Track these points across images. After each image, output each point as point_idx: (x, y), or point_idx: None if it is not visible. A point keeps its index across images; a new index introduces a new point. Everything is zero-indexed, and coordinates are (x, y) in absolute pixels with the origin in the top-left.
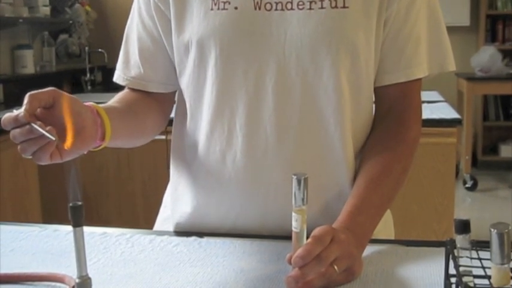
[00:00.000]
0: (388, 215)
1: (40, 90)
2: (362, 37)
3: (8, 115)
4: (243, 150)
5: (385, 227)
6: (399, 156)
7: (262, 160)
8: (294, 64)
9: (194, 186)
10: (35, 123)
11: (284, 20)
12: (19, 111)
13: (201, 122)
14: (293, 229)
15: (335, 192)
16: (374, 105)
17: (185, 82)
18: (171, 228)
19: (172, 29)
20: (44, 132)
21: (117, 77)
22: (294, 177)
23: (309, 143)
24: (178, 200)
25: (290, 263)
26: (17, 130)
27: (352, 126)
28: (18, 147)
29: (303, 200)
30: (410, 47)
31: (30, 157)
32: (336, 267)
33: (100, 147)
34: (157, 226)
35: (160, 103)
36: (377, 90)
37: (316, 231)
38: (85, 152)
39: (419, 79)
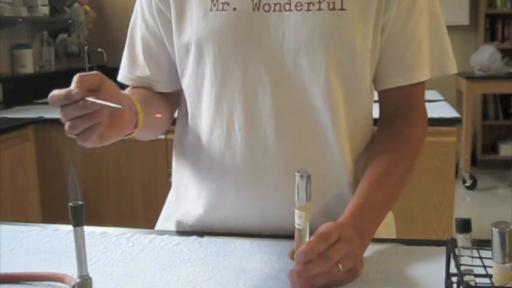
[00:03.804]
0: (389, 217)
1: (87, 73)
2: (359, 39)
3: (57, 91)
4: (242, 150)
5: (387, 228)
6: (403, 156)
7: (261, 160)
8: (291, 65)
9: (195, 186)
10: (91, 98)
11: (282, 21)
12: (68, 89)
13: (200, 123)
14: (296, 226)
15: (335, 193)
16: (379, 108)
17: (186, 82)
18: (172, 228)
19: (173, 30)
20: (106, 103)
21: (122, 77)
22: (297, 174)
23: (307, 144)
24: (179, 200)
25: (292, 258)
26: (70, 106)
27: (348, 128)
28: (67, 124)
29: (306, 197)
30: (412, 51)
31: (74, 136)
32: (340, 266)
33: (132, 135)
34: (158, 225)
35: (167, 101)
36: (381, 93)
37: (321, 228)
38: (120, 138)
39: (423, 82)
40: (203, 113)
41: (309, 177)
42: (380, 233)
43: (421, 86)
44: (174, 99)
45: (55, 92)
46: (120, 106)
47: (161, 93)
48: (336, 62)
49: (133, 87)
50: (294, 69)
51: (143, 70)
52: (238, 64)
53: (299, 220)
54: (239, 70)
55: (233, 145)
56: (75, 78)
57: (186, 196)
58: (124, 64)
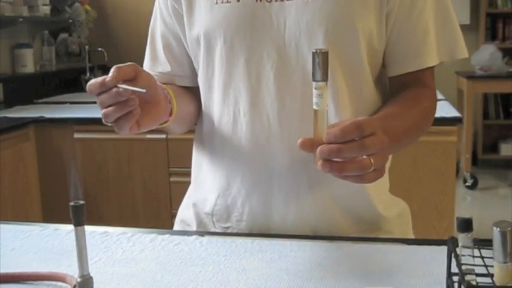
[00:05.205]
0: (405, 209)
1: (124, 64)
2: (360, 24)
3: (94, 80)
4: (247, 136)
5: (402, 222)
6: (425, 100)
7: (266, 146)
8: (293, 53)
9: (211, 173)
10: (123, 84)
11: (283, 10)
12: (103, 77)
13: (212, 111)
14: (314, 107)
15: (340, 180)
16: (389, 92)
17: (199, 74)
18: (191, 215)
19: (185, 25)
20: (133, 88)
21: None
22: (313, 51)
23: (310, 130)
24: (197, 189)
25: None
26: (105, 94)
27: (353, 113)
28: (103, 112)
29: (322, 75)
30: (418, 37)
31: (111, 124)
32: (372, 160)
33: (167, 123)
34: (178, 214)
35: (194, 95)
36: (391, 80)
37: (360, 119)
38: (157, 125)
39: (431, 68)
40: (214, 102)
41: (324, 54)
42: (392, 226)
43: (430, 72)
44: (199, 94)
45: (92, 81)
46: (144, 90)
47: (187, 89)
48: (336, 47)
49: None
50: (295, 55)
51: (164, 66)
52: (242, 53)
53: (316, 99)
54: (243, 59)
55: (239, 131)
56: (112, 68)
57: (204, 185)
58: (146, 62)
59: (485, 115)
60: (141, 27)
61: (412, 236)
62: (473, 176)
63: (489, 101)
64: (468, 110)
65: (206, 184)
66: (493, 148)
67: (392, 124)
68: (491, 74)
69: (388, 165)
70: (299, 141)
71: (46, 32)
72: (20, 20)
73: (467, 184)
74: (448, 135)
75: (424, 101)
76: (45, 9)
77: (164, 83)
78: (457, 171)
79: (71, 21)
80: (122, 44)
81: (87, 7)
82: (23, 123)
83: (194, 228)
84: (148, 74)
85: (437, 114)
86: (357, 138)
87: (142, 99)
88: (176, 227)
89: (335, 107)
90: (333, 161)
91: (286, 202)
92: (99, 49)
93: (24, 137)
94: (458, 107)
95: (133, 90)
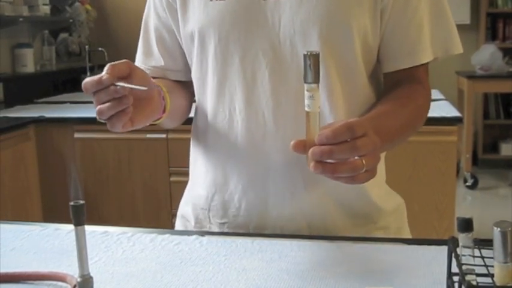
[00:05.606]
0: (402, 205)
1: (118, 62)
2: (355, 22)
3: (90, 79)
4: (243, 134)
5: (397, 217)
6: (419, 97)
7: (261, 143)
8: (288, 51)
9: (206, 168)
10: (120, 82)
11: (278, 8)
12: (99, 75)
13: (207, 108)
14: (306, 109)
15: None
16: (383, 89)
17: (193, 70)
18: (189, 211)
19: (179, 21)
20: (133, 86)
21: None
22: (304, 53)
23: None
24: (194, 185)
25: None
26: (102, 92)
27: (347, 112)
28: (97, 108)
29: (313, 77)
30: (412, 34)
31: (104, 121)
32: (364, 161)
33: (160, 120)
34: (179, 211)
35: (187, 90)
36: (385, 76)
37: (351, 120)
38: (150, 122)
39: (426, 64)
40: (208, 99)
41: (316, 56)
42: (389, 222)
43: (424, 67)
44: (192, 88)
45: (88, 79)
46: (145, 88)
47: (179, 82)
48: (330, 45)
49: (153, 78)
50: (290, 53)
51: (158, 60)
52: (237, 51)
53: (308, 101)
54: (238, 57)
55: (235, 128)
56: (106, 66)
57: (199, 180)
58: (139, 55)
59: (486, 115)
60: (141, 27)
61: (407, 232)
62: (473, 176)
63: (489, 101)
64: (468, 110)
65: (201, 179)
66: (493, 148)
67: (385, 123)
68: (491, 73)
69: (383, 159)
70: (292, 143)
71: (46, 31)
72: (20, 19)
73: (467, 184)
74: (448, 135)
75: (418, 98)
76: (46, 9)
77: (157, 77)
78: (458, 171)
79: (71, 20)
80: (122, 44)
81: (88, 7)
82: (23, 123)
83: (193, 223)
84: (142, 70)
85: (438, 114)
86: (348, 140)
87: (136, 97)
88: (177, 222)
89: (329, 104)
90: (325, 162)
91: (282, 197)
92: (100, 49)
93: (24, 136)
94: (459, 106)
95: (131, 88)
